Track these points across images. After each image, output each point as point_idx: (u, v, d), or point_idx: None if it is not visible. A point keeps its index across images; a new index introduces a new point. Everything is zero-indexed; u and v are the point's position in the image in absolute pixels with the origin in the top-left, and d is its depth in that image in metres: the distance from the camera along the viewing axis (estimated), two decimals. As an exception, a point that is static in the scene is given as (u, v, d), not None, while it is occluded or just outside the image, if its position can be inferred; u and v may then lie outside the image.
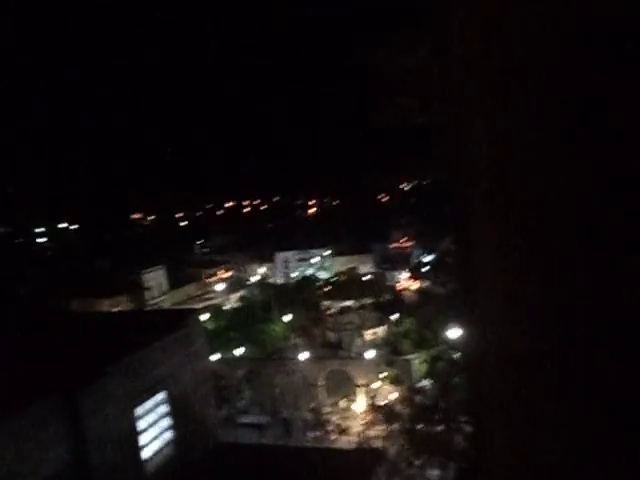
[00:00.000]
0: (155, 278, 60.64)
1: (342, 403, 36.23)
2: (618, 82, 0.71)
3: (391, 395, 34.00)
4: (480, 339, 1.16)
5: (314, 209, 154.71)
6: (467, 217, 1.18)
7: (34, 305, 44.03)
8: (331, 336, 45.69)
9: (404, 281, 59.93)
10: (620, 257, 0.77)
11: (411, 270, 62.23)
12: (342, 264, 73.47)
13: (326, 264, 77.75)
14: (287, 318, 43.25)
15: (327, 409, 35.74)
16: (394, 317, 40.79)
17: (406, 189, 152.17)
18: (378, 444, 28.86)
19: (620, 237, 0.77)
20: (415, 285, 55.98)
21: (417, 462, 26.72)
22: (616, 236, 0.77)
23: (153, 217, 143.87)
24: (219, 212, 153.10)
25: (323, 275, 71.24)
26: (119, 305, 54.69)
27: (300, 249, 79.45)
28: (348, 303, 47.09)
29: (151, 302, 58.78)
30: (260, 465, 18.33)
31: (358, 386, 35.08)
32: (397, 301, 46.80)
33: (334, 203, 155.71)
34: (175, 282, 64.38)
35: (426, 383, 32.93)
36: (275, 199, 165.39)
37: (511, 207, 1.00)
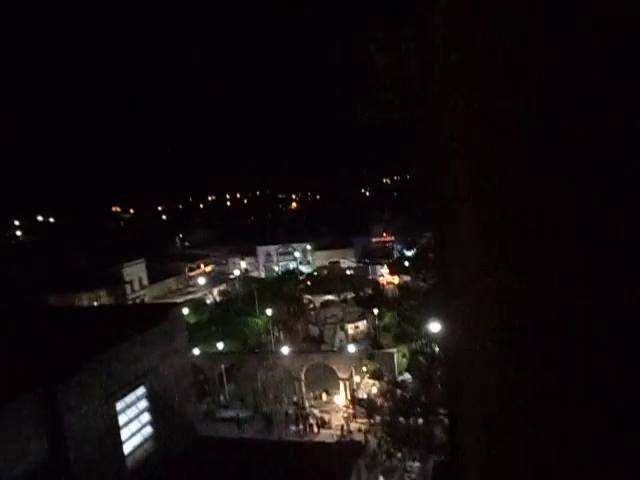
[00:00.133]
0: (135, 272, 60.03)
1: (324, 396, 36.39)
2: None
3: (373, 388, 34.27)
4: (454, 334, 1.18)
5: (296, 203, 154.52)
6: (443, 214, 1.20)
7: (11, 299, 43.29)
8: (313, 330, 45.81)
9: (385, 275, 60.30)
10: (594, 256, 0.80)
11: (392, 265, 62.58)
12: (324, 258, 73.61)
13: (308, 258, 77.82)
14: (269, 312, 43.22)
15: (309, 402, 35.87)
16: (376, 311, 41.02)
17: (388, 184, 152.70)
18: (359, 437, 29.09)
19: (600, 237, 0.79)
20: (396, 279, 56.34)
21: (398, 455, 27.01)
22: (598, 236, 0.79)
23: (133, 210, 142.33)
24: (200, 206, 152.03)
25: (305, 269, 71.34)
26: (98, 299, 54.09)
27: (282, 243, 79.40)
28: (330, 297, 47.19)
29: (131, 296, 58.24)
30: (241, 459, 18.35)
31: (340, 380, 35.24)
32: (378, 295, 47.05)
33: (316, 197, 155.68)
34: (156, 276, 63.81)
35: (407, 376, 33.24)
36: (257, 193, 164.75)
37: (487, 206, 1.01)
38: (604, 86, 0.74)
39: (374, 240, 75.32)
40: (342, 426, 31.57)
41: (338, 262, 68.65)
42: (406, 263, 61.22)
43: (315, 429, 32.51)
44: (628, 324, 0.75)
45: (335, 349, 39.69)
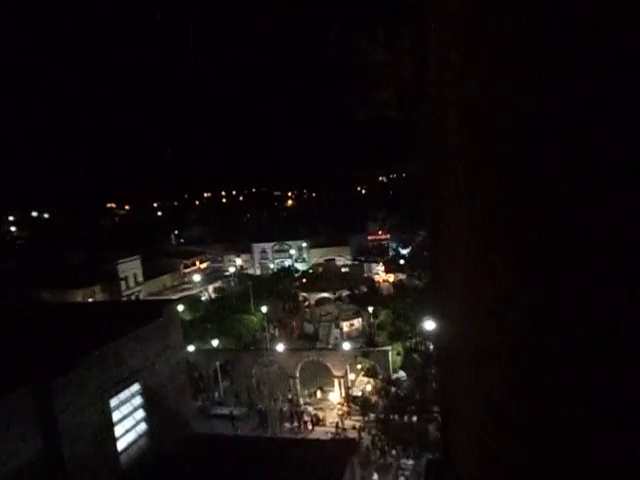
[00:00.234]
0: (130, 268, 59.86)
1: (318, 394, 36.43)
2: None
3: (367, 386, 34.33)
4: (447, 333, 1.19)
5: (292, 201, 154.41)
6: (437, 214, 1.21)
7: (5, 295, 43.12)
8: (308, 327, 45.83)
9: (381, 273, 60.39)
10: (582, 255, 0.80)
11: (387, 262, 62.69)
12: (319, 256, 73.62)
13: (303, 256, 77.83)
14: (264, 309, 43.21)
15: (303, 400, 35.91)
16: (371, 309, 41.08)
17: (385, 182, 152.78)
18: (354, 435, 29.14)
19: (589, 236, 0.80)
20: (391, 277, 56.45)
21: (392, 452, 27.10)
22: (586, 236, 0.79)
23: (128, 207, 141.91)
24: (196, 203, 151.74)
25: (300, 266, 71.34)
26: (93, 296, 53.94)
27: (277, 240, 79.38)
28: (325, 295, 47.20)
29: (126, 292, 58.10)
30: (235, 456, 18.35)
31: (335, 377, 35.29)
32: (374, 293, 47.11)
33: (312, 195, 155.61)
34: (151, 272, 63.65)
35: (402, 374, 33.33)
36: (253, 190, 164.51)
37: (478, 206, 1.01)
38: (604, 86, 0.74)
39: (370, 238, 75.43)
40: (337, 423, 31.62)
41: (334, 260, 68.67)
42: (401, 261, 61.41)
43: (309, 426, 32.56)
44: (620, 324, 0.75)
45: (330, 347, 39.74)
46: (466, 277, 1.13)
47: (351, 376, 35.67)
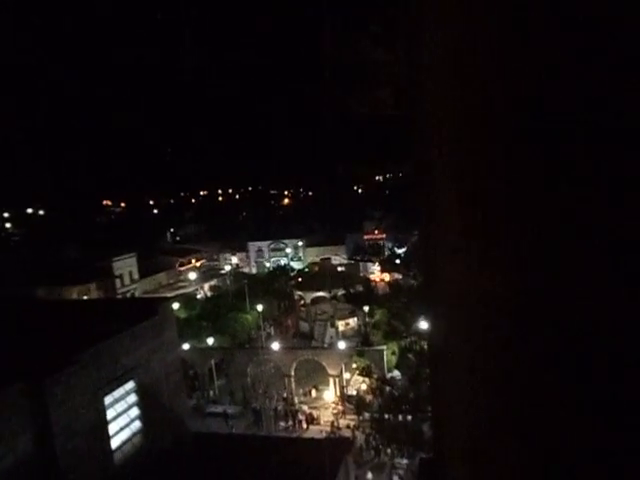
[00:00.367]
0: (125, 266, 59.72)
1: (313, 393, 36.45)
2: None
3: (362, 385, 34.38)
4: (439, 333, 1.19)
5: (288, 199, 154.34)
6: (429, 214, 1.21)
7: (0, 292, 42.93)
8: (303, 326, 45.84)
9: (377, 272, 60.45)
10: (582, 255, 0.80)
11: (383, 262, 62.75)
12: (315, 254, 73.62)
13: (299, 254, 77.83)
14: (259, 308, 43.19)
15: (298, 399, 35.92)
16: (366, 308, 41.11)
17: (381, 182, 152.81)
18: (348, 434, 29.18)
19: (580, 238, 0.80)
20: (387, 277, 56.50)
21: (387, 451, 27.15)
22: (586, 236, 0.79)
23: (124, 204, 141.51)
24: (192, 201, 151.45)
25: (296, 265, 71.34)
26: (88, 293, 53.78)
27: (273, 239, 79.35)
28: (321, 294, 47.22)
29: (121, 290, 57.97)
30: (230, 454, 18.35)
31: (330, 376, 35.31)
32: (369, 292, 47.15)
33: (308, 194, 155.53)
34: (146, 270, 63.53)
35: (397, 374, 33.38)
36: (249, 189, 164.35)
37: (473, 206, 1.01)
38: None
39: (366, 237, 75.44)
40: (332, 422, 31.65)
41: (329, 259, 68.70)
42: (397, 261, 61.47)
43: (304, 425, 32.58)
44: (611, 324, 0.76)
45: (325, 345, 39.77)
46: (455, 277, 1.13)
47: (346, 375, 35.70)
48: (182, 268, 70.93)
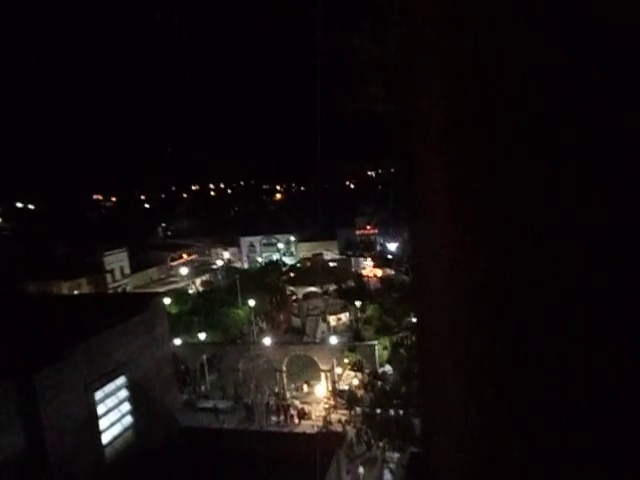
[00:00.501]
0: (116, 261, 59.48)
1: (305, 388, 36.54)
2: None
3: (354, 380, 34.50)
4: (428, 331, 1.18)
5: (280, 194, 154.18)
6: (418, 208, 1.19)
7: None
8: (295, 321, 45.90)
9: (369, 268, 60.59)
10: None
11: (375, 257, 62.89)
12: (307, 250, 73.57)
13: (291, 250, 77.83)
14: (251, 303, 43.17)
15: (290, 394, 36.00)
16: (358, 303, 41.19)
17: (373, 177, 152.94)
18: (340, 428, 29.29)
19: (573, 235, 0.79)
20: (379, 272, 56.65)
21: (378, 445, 27.28)
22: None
23: (115, 199, 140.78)
24: (184, 195, 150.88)
25: (288, 260, 71.32)
26: (79, 288, 53.52)
27: (265, 234, 79.26)
28: (313, 289, 47.27)
29: (112, 285, 57.73)
30: (221, 449, 18.36)
31: (321, 371, 35.40)
32: (361, 287, 47.24)
33: (301, 189, 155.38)
34: (137, 265, 63.30)
35: (388, 368, 33.52)
36: (241, 184, 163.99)
37: (464, 205, 1.00)
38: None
39: (358, 233, 75.55)
40: (324, 417, 31.75)
41: (321, 254, 68.78)
42: (389, 256, 61.62)
43: (296, 420, 32.66)
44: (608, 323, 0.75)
45: (317, 341, 39.86)
46: (443, 273, 1.13)
47: (338, 370, 35.80)
48: (173, 263, 70.73)
